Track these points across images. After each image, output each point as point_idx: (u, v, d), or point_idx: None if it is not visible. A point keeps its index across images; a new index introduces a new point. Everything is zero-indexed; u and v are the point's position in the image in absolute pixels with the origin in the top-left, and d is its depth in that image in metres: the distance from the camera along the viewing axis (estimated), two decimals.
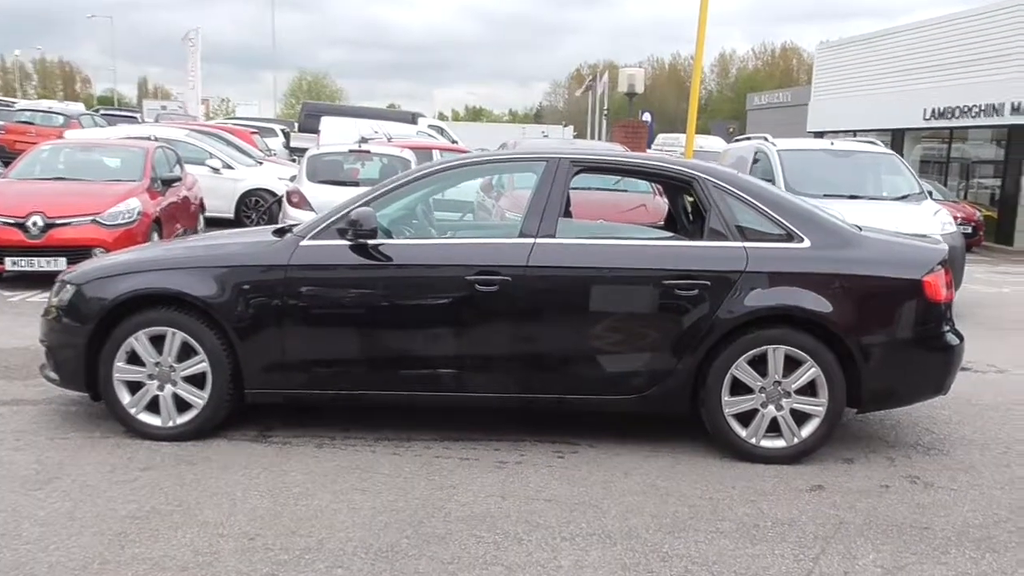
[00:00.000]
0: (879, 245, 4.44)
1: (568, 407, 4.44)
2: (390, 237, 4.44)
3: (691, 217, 5.44)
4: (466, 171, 4.87)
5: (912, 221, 8.05)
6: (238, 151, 16.16)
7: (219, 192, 13.89)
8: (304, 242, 4.36)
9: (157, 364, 4.33)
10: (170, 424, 4.36)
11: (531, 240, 4.27)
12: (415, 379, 4.34)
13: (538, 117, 76.93)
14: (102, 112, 31.76)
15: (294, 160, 19.65)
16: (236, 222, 13.99)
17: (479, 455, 4.28)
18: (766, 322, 4.22)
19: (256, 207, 14.50)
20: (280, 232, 4.71)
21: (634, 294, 4.25)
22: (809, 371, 4.20)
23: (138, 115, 34.43)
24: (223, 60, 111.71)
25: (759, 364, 4.23)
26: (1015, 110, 22.51)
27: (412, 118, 27.37)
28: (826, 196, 8.05)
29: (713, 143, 23.35)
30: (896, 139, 24.87)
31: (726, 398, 4.24)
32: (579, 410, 4.52)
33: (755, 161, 10.12)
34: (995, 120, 23.01)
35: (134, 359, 4.34)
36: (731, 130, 40.02)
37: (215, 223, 12.37)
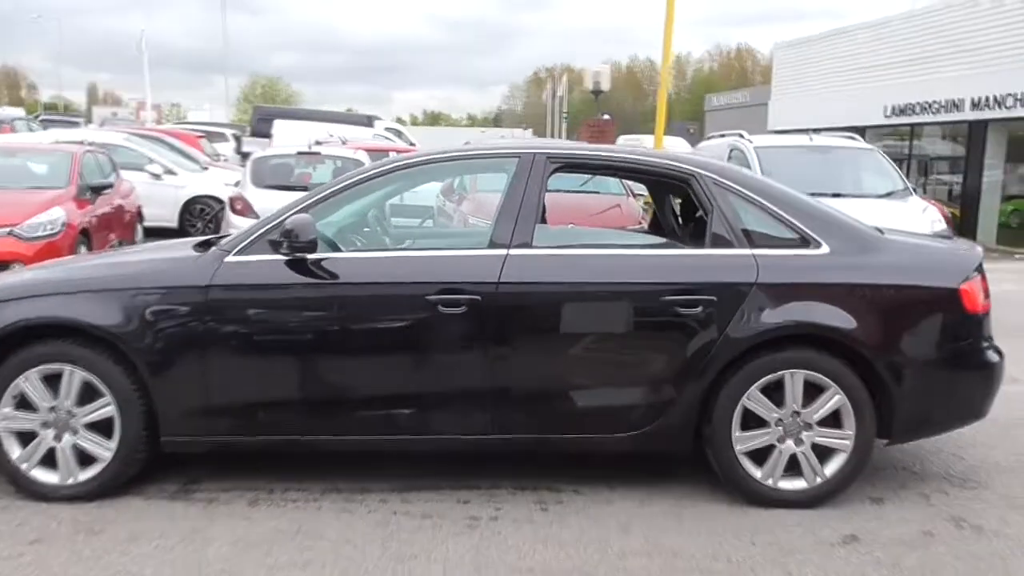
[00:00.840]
0: (907, 249, 3.84)
1: (551, 448, 3.76)
2: (335, 250, 3.73)
3: (681, 220, 4.80)
4: (425, 170, 4.13)
5: (901, 219, 7.51)
6: (182, 156, 15.25)
7: (160, 200, 12.98)
8: (230, 258, 3.62)
9: (52, 409, 3.56)
10: (70, 481, 3.59)
11: (503, 251, 3.58)
12: (367, 420, 3.63)
13: (497, 121, 76.31)
14: (42, 117, 30.39)
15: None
16: (180, 232, 13.11)
17: (446, 510, 3.57)
18: (781, 343, 3.58)
19: (201, 215, 13.62)
20: (203, 246, 3.97)
21: (627, 314, 3.59)
22: (833, 399, 3.57)
23: (80, 120, 33.08)
24: (174, 65, 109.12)
25: (774, 392, 3.60)
26: (975, 106, 22.44)
27: (368, 121, 26.53)
28: (809, 195, 7.46)
29: (676, 144, 22.94)
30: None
31: (737, 433, 3.60)
32: (564, 451, 3.84)
33: (730, 159, 9.55)
34: (955, 116, 22.90)
35: (24, 404, 3.57)
36: (691, 131, 39.75)
37: (156, 233, 11.48)
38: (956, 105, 22.93)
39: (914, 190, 9.78)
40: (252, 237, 3.65)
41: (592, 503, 3.66)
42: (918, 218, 8.25)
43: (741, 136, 9.84)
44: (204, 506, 3.59)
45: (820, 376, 3.56)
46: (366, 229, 4.26)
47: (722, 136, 10.86)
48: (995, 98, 21.80)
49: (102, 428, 3.58)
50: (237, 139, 26.20)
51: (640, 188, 10.48)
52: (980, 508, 3.66)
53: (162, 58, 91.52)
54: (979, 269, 3.73)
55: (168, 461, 3.80)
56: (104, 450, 3.58)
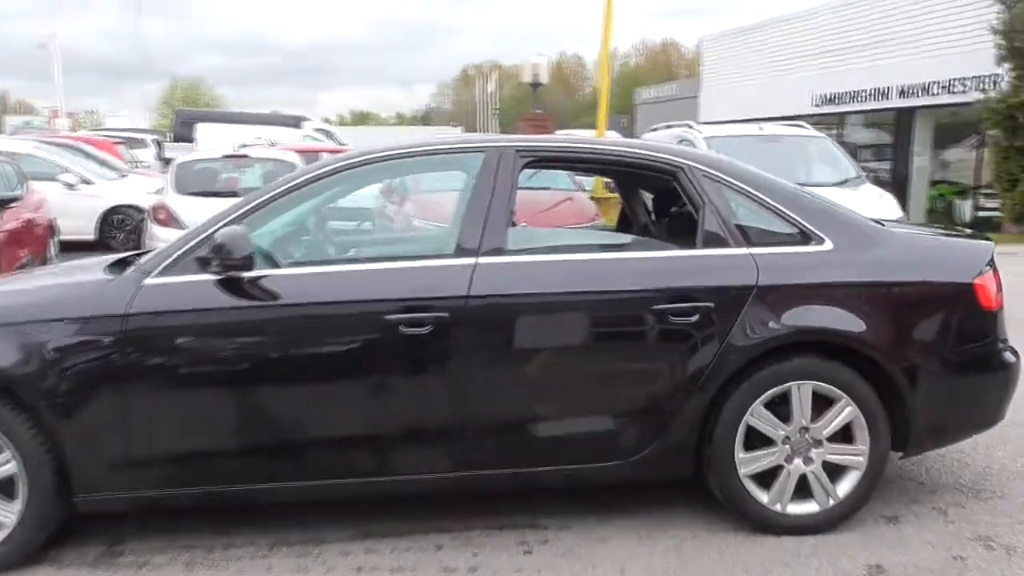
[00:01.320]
0: (915, 243, 3.50)
1: (533, 484, 3.31)
2: (274, 265, 3.21)
3: (655, 216, 4.41)
4: (377, 168, 3.58)
5: (858, 208, 7.29)
6: (98, 164, 14.32)
7: (76, 211, 12.10)
8: (150, 280, 3.07)
9: None
10: None
11: (472, 260, 3.12)
12: (319, 464, 3.12)
13: (426, 119, 75.50)
14: None
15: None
16: (99, 245, 12.26)
17: (417, 560, 3.10)
18: (786, 352, 3.21)
19: (122, 226, 12.78)
20: (117, 266, 3.41)
21: (616, 326, 3.17)
22: (844, 411, 3.21)
23: None
24: (90, 70, 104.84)
25: (779, 407, 3.23)
26: (902, 94, 22.82)
27: (296, 122, 25.71)
28: (814, 185, 7.20)
29: (611, 138, 22.75)
30: None
31: (741, 455, 3.21)
32: (548, 487, 3.40)
33: None
34: (883, 104, 23.27)
35: None
36: (624, 124, 39.77)
37: (74, 247, 10.67)
38: (883, 93, 23.30)
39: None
40: (176, 255, 3.11)
41: (583, 542, 3.23)
42: (875, 205, 8.06)
43: (690, 127, 9.56)
44: (133, 573, 3.04)
45: (829, 387, 3.20)
46: (306, 238, 3.74)
47: (669, 127, 10.57)
48: (922, 86, 22.20)
49: (3, 489, 3.01)
50: (158, 145, 25.07)
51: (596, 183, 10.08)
52: (1004, 524, 3.35)
53: (77, 64, 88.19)
54: (991, 263, 3.42)
55: (89, 520, 3.24)
56: (6, 515, 3.01)
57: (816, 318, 3.19)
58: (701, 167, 3.36)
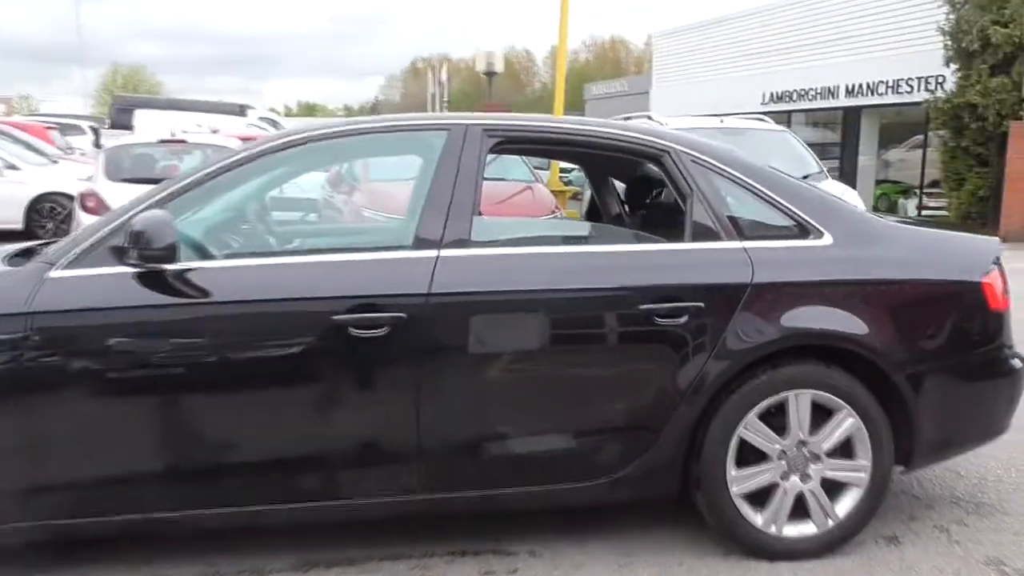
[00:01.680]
0: (918, 239, 3.21)
1: (500, 507, 2.93)
2: (205, 257, 2.78)
3: (629, 207, 4.07)
4: (324, 147, 3.07)
5: None
6: (27, 149, 13.52)
7: (1, 199, 11.38)
8: (55, 272, 2.61)
9: None
10: None
11: (433, 252, 2.74)
12: (256, 487, 2.71)
13: (375, 110, 74.46)
14: None
15: None
16: (27, 234, 11.52)
17: None
18: (782, 356, 2.89)
19: (52, 215, 12.04)
20: (22, 256, 2.94)
21: (596, 328, 2.81)
22: (845, 423, 2.91)
23: None
24: (25, 56, 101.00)
25: (775, 418, 2.91)
26: (850, 92, 23.03)
27: (241, 110, 24.83)
28: None
29: None
30: None
31: (732, 472, 2.88)
32: (517, 510, 3.02)
33: None
34: (831, 103, 23.47)
35: None
36: None
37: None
38: (832, 92, 23.49)
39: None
40: (86, 244, 2.66)
41: (556, 569, 2.87)
42: None
43: (650, 118, 9.27)
44: None
45: (830, 396, 2.90)
46: (245, 227, 3.30)
47: (627, 119, 10.27)
48: (868, 85, 22.42)
49: None
50: (95, 131, 23.99)
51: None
52: (1012, 544, 3.09)
53: (11, 49, 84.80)
54: (997, 262, 3.15)
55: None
56: None
57: (817, 320, 2.87)
58: (689, 151, 3.02)
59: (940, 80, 19.37)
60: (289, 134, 2.97)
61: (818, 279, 2.91)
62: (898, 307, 2.96)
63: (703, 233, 2.92)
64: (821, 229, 2.97)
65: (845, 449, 2.95)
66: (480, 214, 2.91)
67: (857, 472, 2.96)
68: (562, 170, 12.55)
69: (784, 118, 24.48)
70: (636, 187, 4.00)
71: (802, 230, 2.98)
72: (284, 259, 2.86)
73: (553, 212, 7.23)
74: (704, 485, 2.89)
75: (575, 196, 10.91)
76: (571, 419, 2.82)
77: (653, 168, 3.81)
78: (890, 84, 21.84)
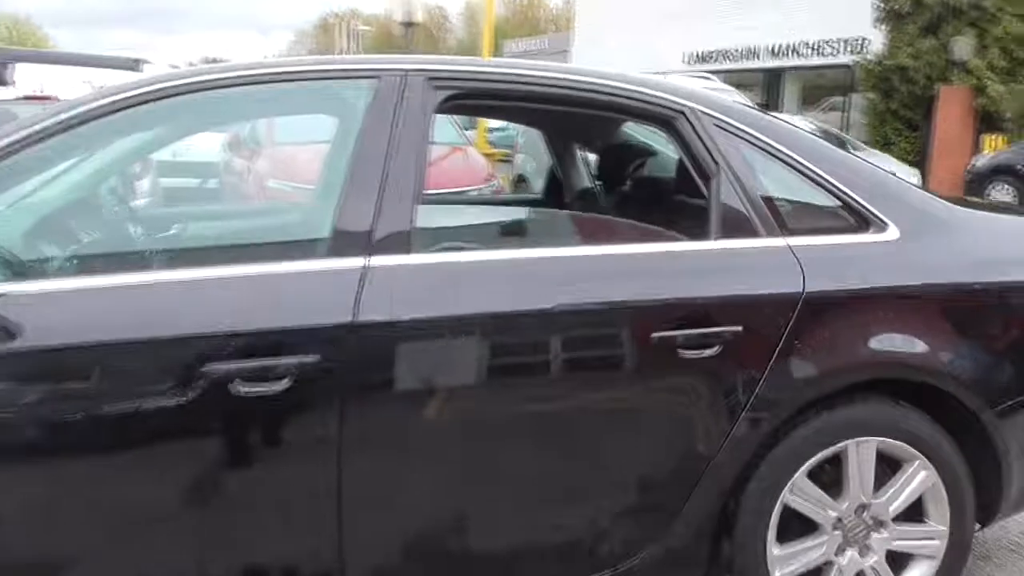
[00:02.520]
0: (999, 227, 2.47)
1: None
2: (15, 275, 1.83)
3: (606, 185, 3.24)
4: (205, 102, 2.02)
5: None
6: None
7: None
8: None
9: None
10: None
11: (359, 262, 1.85)
12: None
13: None
14: None
15: None
16: None
17: None
18: (840, 395, 2.13)
19: None
20: None
21: (592, 369, 1.98)
22: (917, 477, 2.18)
23: None
24: None
25: (827, 475, 2.16)
26: (772, 53, 22.73)
27: (134, 65, 22.88)
28: None
29: None
30: None
31: (775, 551, 2.12)
32: None
33: None
34: (753, 64, 23.14)
35: None
36: None
37: None
38: (754, 53, 23.16)
39: None
40: None
41: None
42: None
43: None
44: None
45: (900, 444, 2.16)
46: (79, 225, 2.28)
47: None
48: (790, 46, 22.14)
49: None
50: None
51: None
52: None
53: None
54: None
55: None
56: None
57: (890, 343, 2.12)
58: (711, 113, 2.19)
59: (864, 42, 19.19)
60: (145, 83, 1.98)
61: (887, 286, 2.14)
62: (984, 321, 2.23)
63: (734, 226, 2.11)
64: (884, 219, 2.20)
65: (914, 510, 2.23)
66: (425, 202, 2.02)
67: (931, 540, 2.24)
68: (488, 129, 11.60)
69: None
70: (612, 158, 3.16)
71: (861, 220, 2.20)
72: (133, 276, 1.87)
73: (488, 180, 6.34)
74: (738, 570, 2.12)
75: (506, 159, 10.05)
76: (558, 498, 2.00)
77: (634, 135, 3.00)
78: (812, 45, 21.61)
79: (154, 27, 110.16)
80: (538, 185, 8.42)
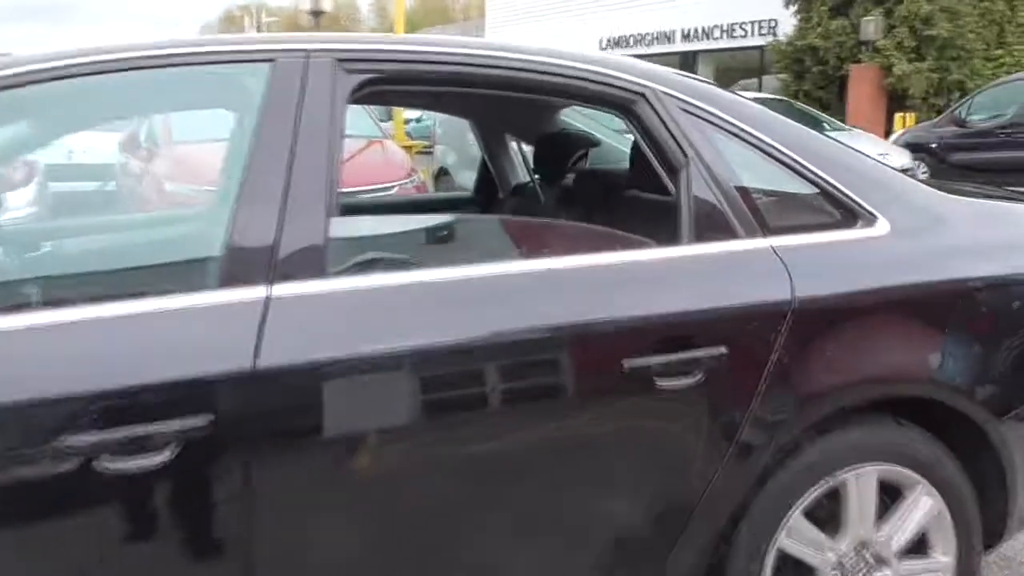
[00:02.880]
0: (994, 213, 2.21)
1: None
2: None
3: (544, 179, 2.89)
4: (27, 100, 1.56)
5: None
6: None
7: None
8: None
9: None
10: None
11: (258, 292, 1.46)
12: None
13: None
14: None
15: None
16: None
17: None
18: (837, 418, 1.84)
19: None
20: None
21: (554, 406, 1.63)
22: (921, 505, 1.91)
23: None
24: None
25: (822, 509, 1.87)
26: (685, 37, 22.86)
27: None
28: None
29: None
30: None
31: None
32: None
33: None
34: (668, 47, 23.22)
35: None
36: None
37: None
38: (668, 37, 23.25)
39: None
40: None
41: None
42: None
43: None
44: None
45: (903, 469, 1.89)
46: None
47: None
48: (703, 30, 22.30)
49: None
50: None
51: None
52: None
53: None
54: None
55: None
56: None
57: (890, 356, 1.84)
58: (676, 94, 1.86)
59: (772, 24, 19.43)
60: None
61: (880, 287, 1.86)
62: (986, 323, 1.97)
63: (708, 226, 1.79)
64: (873, 212, 1.92)
65: (917, 542, 1.97)
66: (340, 212, 1.63)
67: (937, 573, 1.98)
68: (405, 120, 11.16)
69: None
70: (549, 148, 2.81)
71: (848, 214, 1.91)
72: None
73: (409, 175, 5.93)
74: None
75: (425, 150, 9.61)
76: (513, 558, 1.66)
77: (571, 123, 2.68)
78: (725, 28, 21.80)
79: (49, 20, 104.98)
80: (462, 178, 8.09)
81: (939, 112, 13.60)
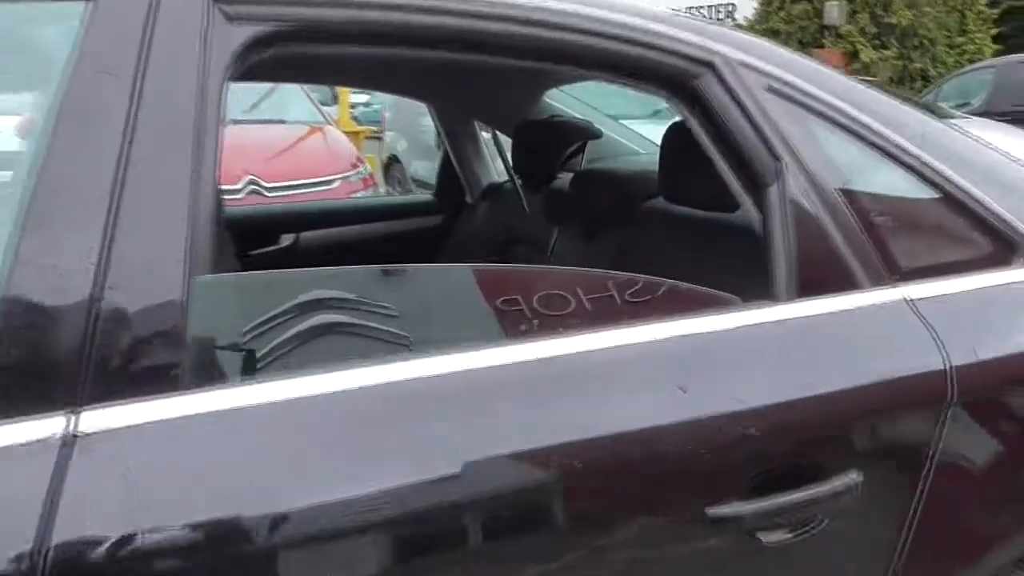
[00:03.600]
0: None
1: None
2: None
3: (534, 175, 2.22)
4: None
5: None
6: None
7: None
8: None
9: None
10: None
11: (57, 422, 0.77)
12: None
13: None
14: None
15: None
16: None
17: None
18: None
19: None
20: None
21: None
22: None
23: None
24: None
25: None
26: None
27: None
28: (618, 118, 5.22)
29: None
30: None
31: None
32: None
33: None
34: None
35: None
36: None
37: None
38: None
39: None
40: None
41: None
42: None
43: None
44: None
45: None
46: None
47: None
48: None
49: None
50: None
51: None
52: None
53: None
54: None
55: None
56: None
57: None
58: (761, 66, 1.20)
59: (731, 8, 19.08)
60: None
61: None
62: None
63: (816, 271, 1.14)
64: None
65: None
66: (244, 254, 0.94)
67: None
68: (352, 104, 10.26)
69: None
70: (533, 140, 2.14)
71: (1005, 245, 1.28)
72: None
73: (354, 167, 5.20)
74: None
75: (374, 135, 8.81)
76: None
77: (556, 105, 2.04)
78: (682, 12, 21.35)
79: None
80: (414, 168, 7.32)
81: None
